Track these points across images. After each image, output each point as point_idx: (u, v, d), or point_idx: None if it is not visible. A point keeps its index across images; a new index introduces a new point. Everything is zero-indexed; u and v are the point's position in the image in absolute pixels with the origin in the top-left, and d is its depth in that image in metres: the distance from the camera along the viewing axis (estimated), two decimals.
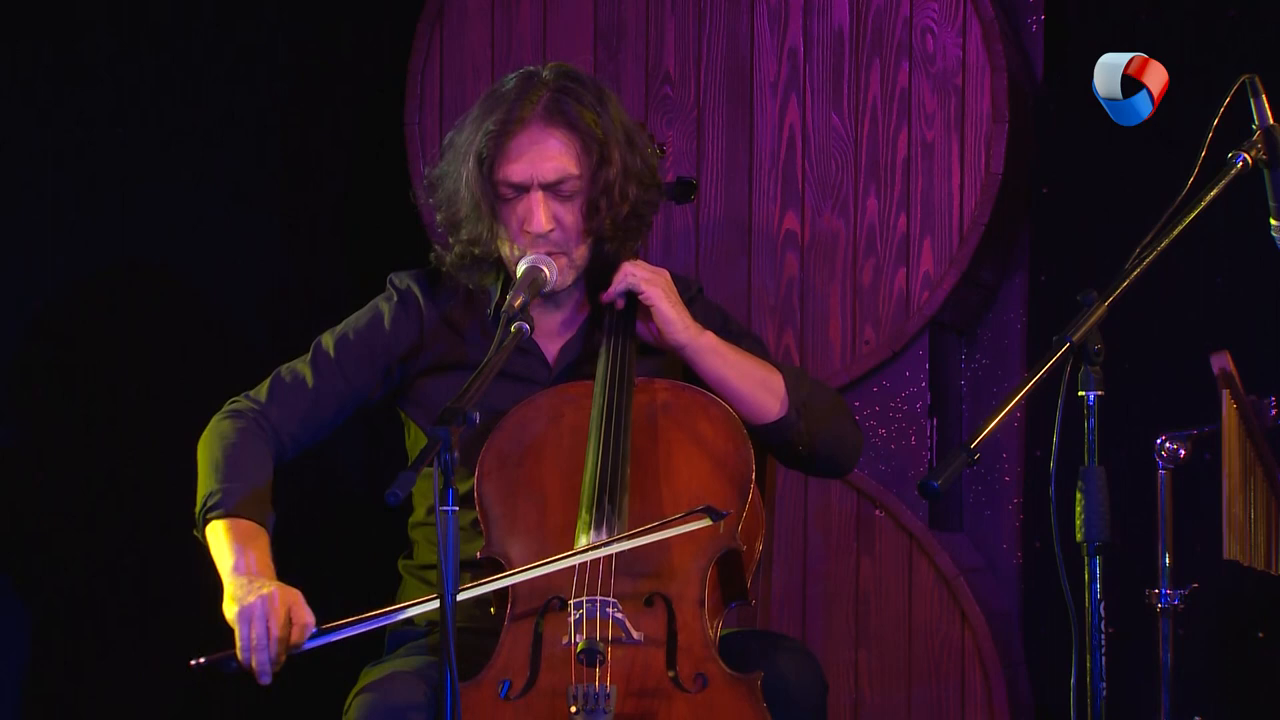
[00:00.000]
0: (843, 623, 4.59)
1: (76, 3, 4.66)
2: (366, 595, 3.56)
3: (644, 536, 3.16)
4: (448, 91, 4.74)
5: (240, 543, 3.24)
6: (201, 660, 3.11)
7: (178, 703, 4.68)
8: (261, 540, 3.27)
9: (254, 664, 3.09)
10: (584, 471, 3.27)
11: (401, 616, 3.19)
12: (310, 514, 4.67)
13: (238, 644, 3.10)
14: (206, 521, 3.29)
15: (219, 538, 3.26)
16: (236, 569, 3.20)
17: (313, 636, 3.12)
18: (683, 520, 3.17)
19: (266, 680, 3.11)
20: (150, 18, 4.71)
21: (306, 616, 3.12)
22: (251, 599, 3.10)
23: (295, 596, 3.13)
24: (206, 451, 3.38)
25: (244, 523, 3.28)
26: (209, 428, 3.42)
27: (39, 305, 4.63)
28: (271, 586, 3.13)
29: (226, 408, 3.45)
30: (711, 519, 3.16)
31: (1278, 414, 3.65)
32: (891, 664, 4.57)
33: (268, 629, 3.08)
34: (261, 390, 3.47)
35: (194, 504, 3.33)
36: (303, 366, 3.49)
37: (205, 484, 3.33)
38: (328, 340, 3.51)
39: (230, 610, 3.13)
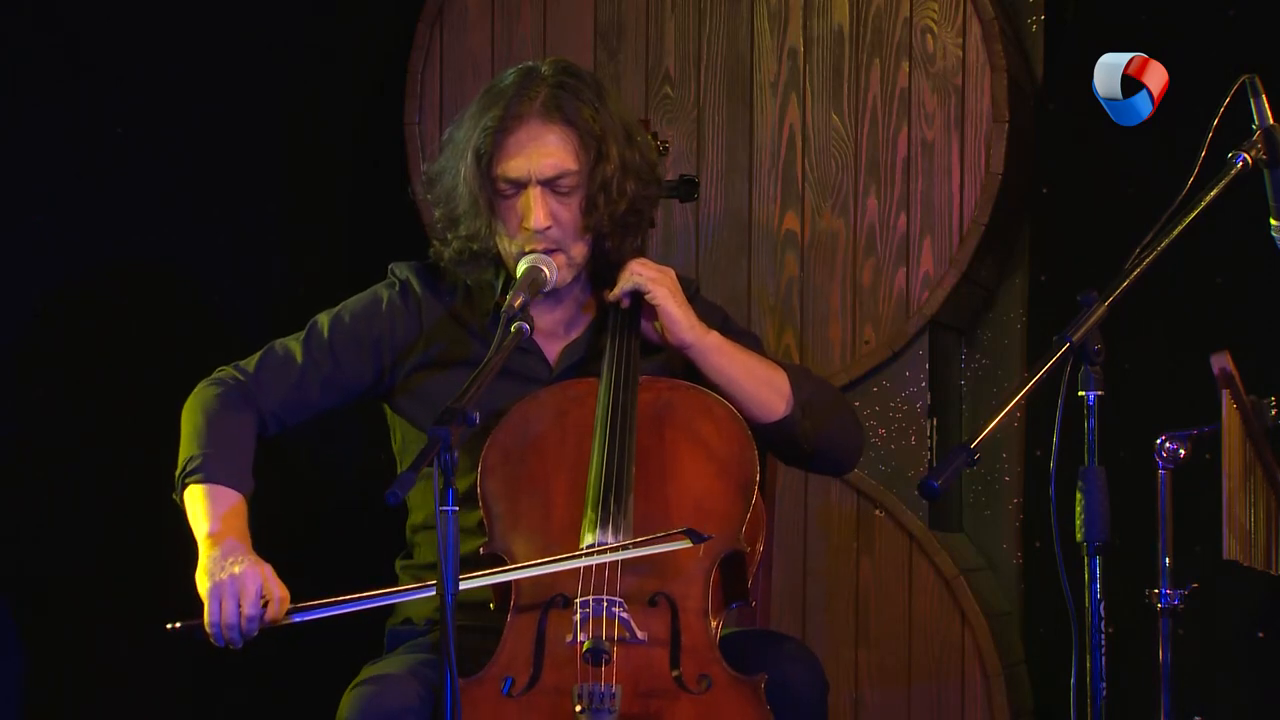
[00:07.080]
0: (843, 623, 4.59)
1: (77, 1, 4.66)
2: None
3: (620, 552, 3.14)
4: (448, 91, 4.74)
5: (218, 510, 3.26)
6: (178, 625, 3.15)
7: (177, 701, 4.68)
8: (239, 509, 3.28)
9: (224, 637, 3.13)
10: (589, 470, 3.25)
11: (386, 602, 3.21)
12: (308, 513, 4.66)
13: (206, 618, 3.13)
14: (185, 485, 3.31)
15: (197, 503, 3.28)
16: (212, 535, 3.22)
17: (294, 610, 3.14)
18: (664, 540, 3.15)
19: (239, 647, 3.15)
20: (150, 17, 4.71)
21: (279, 591, 3.14)
22: (222, 576, 3.13)
23: (266, 572, 3.15)
24: (189, 416, 3.39)
25: (223, 489, 3.30)
26: (194, 393, 3.44)
27: (38, 304, 4.63)
28: (243, 565, 3.15)
29: (214, 375, 3.46)
30: (692, 541, 3.13)
31: (1278, 414, 3.65)
32: (891, 664, 4.56)
33: (238, 608, 3.11)
34: (251, 361, 3.48)
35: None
36: (295, 344, 3.49)
37: (186, 448, 3.35)
38: (323, 320, 3.51)
39: (202, 584, 3.16)
